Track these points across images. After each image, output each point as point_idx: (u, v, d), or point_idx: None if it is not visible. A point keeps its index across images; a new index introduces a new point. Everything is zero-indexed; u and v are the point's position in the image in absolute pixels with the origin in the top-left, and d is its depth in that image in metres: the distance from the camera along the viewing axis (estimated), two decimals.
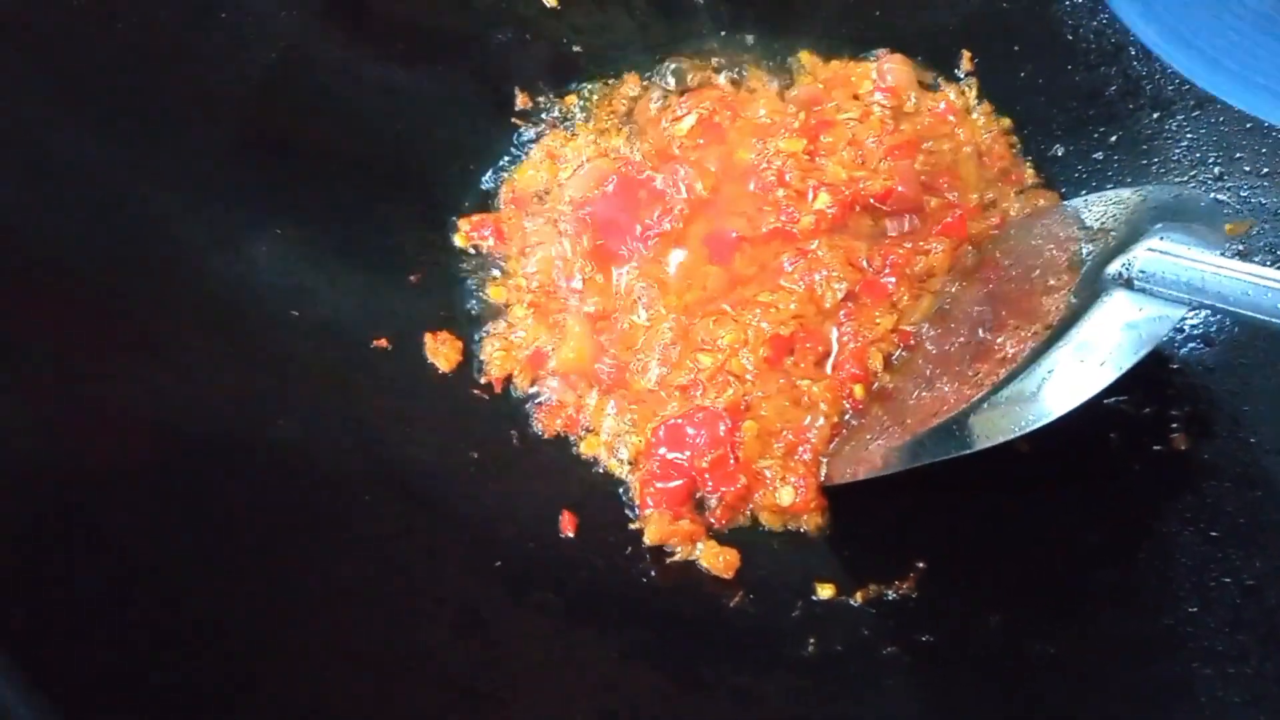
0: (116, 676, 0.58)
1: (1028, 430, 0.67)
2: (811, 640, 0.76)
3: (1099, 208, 0.80)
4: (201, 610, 0.62)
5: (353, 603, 0.68)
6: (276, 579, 0.66)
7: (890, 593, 0.79)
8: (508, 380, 0.92)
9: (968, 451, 0.70)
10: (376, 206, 0.95)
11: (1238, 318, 0.65)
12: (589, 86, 1.08)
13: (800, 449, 0.84)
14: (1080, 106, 0.99)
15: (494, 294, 0.96)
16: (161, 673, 0.59)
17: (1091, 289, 0.70)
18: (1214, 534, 0.77)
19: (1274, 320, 0.62)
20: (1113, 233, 0.74)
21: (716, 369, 0.87)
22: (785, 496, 0.83)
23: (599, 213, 0.95)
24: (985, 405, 0.70)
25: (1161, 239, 0.69)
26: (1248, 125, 0.91)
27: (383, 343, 0.88)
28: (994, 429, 0.69)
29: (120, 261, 0.77)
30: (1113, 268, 0.69)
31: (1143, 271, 0.67)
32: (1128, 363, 0.65)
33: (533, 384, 0.92)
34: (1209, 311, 0.84)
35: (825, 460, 0.84)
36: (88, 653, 0.58)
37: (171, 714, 0.58)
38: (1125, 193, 0.81)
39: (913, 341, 0.88)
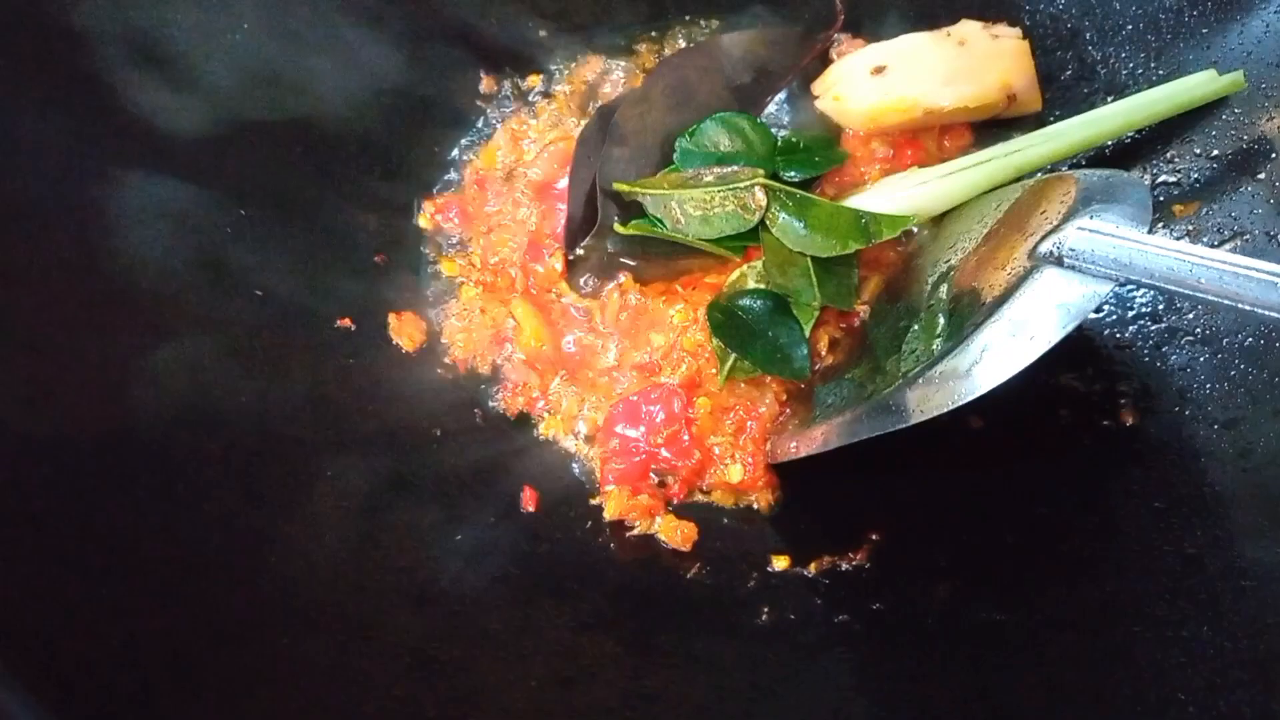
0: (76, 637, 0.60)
1: (961, 404, 0.69)
2: (765, 609, 0.78)
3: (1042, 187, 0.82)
4: (161, 577, 0.63)
5: (312, 571, 0.69)
6: (238, 548, 0.67)
7: (843, 564, 0.81)
8: (472, 360, 0.93)
9: (903, 426, 0.72)
10: (342, 187, 0.96)
11: (1163, 291, 0.68)
12: (552, 68, 1.09)
13: (749, 426, 0.85)
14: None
15: (447, 268, 0.98)
16: (117, 636, 0.61)
17: (1027, 265, 0.72)
18: (1158, 505, 0.79)
19: (1196, 293, 0.65)
20: (1048, 213, 0.76)
21: (669, 347, 0.89)
22: (734, 474, 0.85)
23: (560, 193, 0.96)
24: (920, 381, 0.72)
25: (1091, 218, 0.71)
26: (1198, 111, 0.93)
27: (346, 322, 0.89)
28: (929, 404, 0.71)
29: (84, 238, 0.77)
30: (1044, 246, 0.71)
31: (1073, 249, 0.69)
32: (1056, 336, 0.67)
33: (496, 365, 0.93)
34: (1153, 291, 0.87)
35: (770, 439, 0.85)
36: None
37: (126, 672, 0.59)
38: (1067, 174, 0.83)
39: (856, 323, 0.90)
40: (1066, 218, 0.73)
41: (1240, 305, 0.64)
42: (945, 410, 0.70)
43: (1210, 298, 0.65)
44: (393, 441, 0.83)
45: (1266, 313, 0.63)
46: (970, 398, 0.69)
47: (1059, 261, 0.71)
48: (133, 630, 0.62)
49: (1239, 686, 0.67)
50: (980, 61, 0.96)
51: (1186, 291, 0.66)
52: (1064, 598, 0.77)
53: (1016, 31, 0.99)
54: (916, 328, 0.81)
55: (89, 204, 0.80)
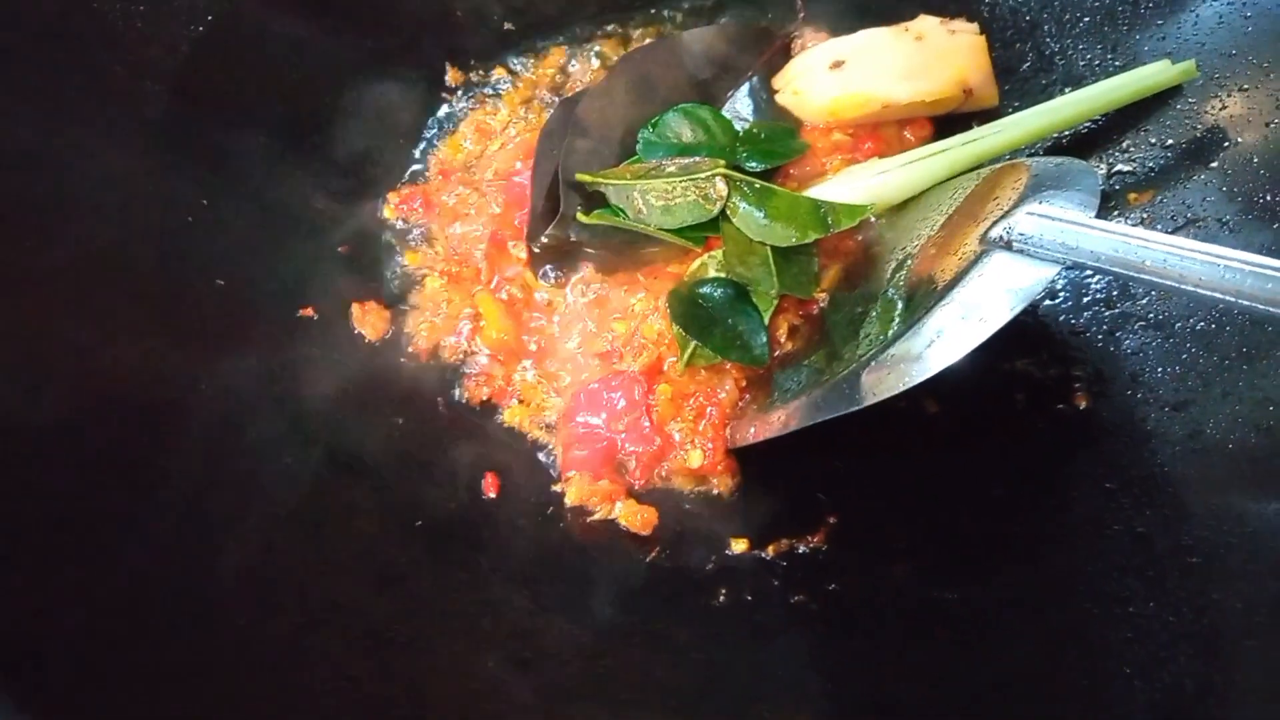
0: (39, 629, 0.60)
1: (913, 384, 0.70)
2: (724, 591, 0.79)
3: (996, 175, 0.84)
4: (120, 563, 0.64)
5: (272, 555, 0.70)
6: (197, 532, 0.68)
7: (801, 546, 0.82)
8: (435, 350, 0.94)
9: (859, 407, 0.73)
10: (307, 178, 0.97)
11: (1109, 273, 0.69)
12: (518, 61, 1.10)
13: (709, 412, 0.86)
14: (996, 81, 1.02)
15: (411, 259, 0.98)
16: (75, 626, 0.61)
17: (978, 250, 0.73)
18: (1109, 486, 0.81)
19: (1142, 274, 0.66)
20: (1000, 199, 0.77)
21: (630, 334, 0.90)
22: (694, 459, 0.85)
23: (524, 184, 0.97)
24: (874, 363, 0.73)
25: (1041, 203, 0.72)
26: (1153, 101, 0.94)
27: (309, 312, 0.90)
28: (882, 385, 0.72)
29: (46, 224, 0.78)
30: (995, 231, 0.72)
31: (1021, 234, 0.71)
32: (1006, 318, 0.68)
33: (459, 354, 0.94)
34: (1105, 277, 0.88)
35: (730, 424, 0.86)
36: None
37: (88, 662, 0.60)
38: (1020, 161, 0.84)
39: (816, 311, 0.91)
40: (1017, 203, 0.75)
41: (1184, 286, 0.65)
42: (899, 391, 0.71)
43: (1156, 279, 0.67)
44: (356, 430, 0.84)
45: (1210, 294, 0.64)
46: (922, 378, 0.70)
47: (1008, 246, 0.72)
48: (94, 618, 0.62)
49: (1182, 659, 0.69)
50: (937, 57, 0.97)
51: (1132, 274, 0.67)
52: (1017, 577, 0.78)
53: (974, 27, 1.00)
54: (873, 314, 0.82)
55: (55, 189, 0.80)
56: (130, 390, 0.75)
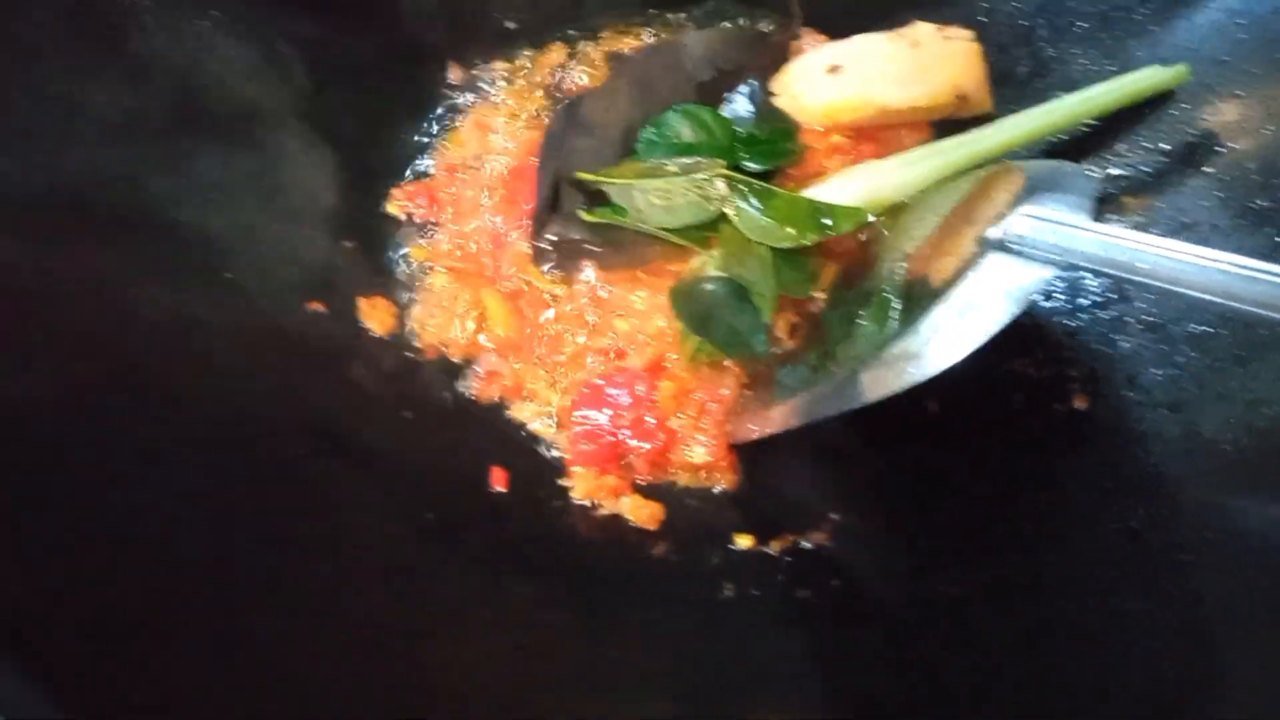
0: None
1: (912, 385, 0.70)
2: (729, 585, 0.80)
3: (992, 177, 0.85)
4: (127, 552, 0.64)
5: (279, 549, 0.70)
6: (203, 522, 0.69)
7: (805, 543, 0.83)
8: (442, 345, 0.95)
9: (857, 406, 0.74)
10: (311, 174, 0.97)
11: (1102, 274, 0.70)
12: (520, 58, 1.11)
13: (710, 408, 0.87)
14: (993, 86, 1.03)
15: (415, 254, 0.99)
16: (84, 614, 0.62)
17: (974, 252, 0.75)
18: (1105, 485, 0.82)
19: (1135, 276, 0.67)
20: (995, 201, 0.79)
21: (633, 331, 0.91)
22: (698, 454, 0.86)
23: (527, 181, 0.98)
24: (873, 363, 0.74)
25: (1036, 205, 0.73)
26: (1147, 107, 0.96)
27: (317, 305, 0.90)
28: (881, 385, 0.72)
29: (56, 220, 0.79)
30: (991, 233, 0.74)
31: (1017, 236, 0.72)
32: (1003, 319, 0.69)
33: (466, 350, 0.95)
34: (1101, 280, 0.90)
35: (731, 420, 0.87)
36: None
37: (88, 654, 0.60)
38: (1015, 164, 0.86)
39: (814, 309, 0.92)
40: (1013, 206, 0.76)
41: (1176, 289, 0.66)
42: (897, 390, 0.72)
43: (1148, 281, 0.67)
44: (361, 424, 0.84)
45: (1201, 295, 0.65)
46: (921, 379, 0.71)
47: (1004, 247, 0.73)
48: (98, 606, 0.63)
49: (1170, 655, 0.70)
50: (932, 62, 0.99)
51: (1125, 275, 0.68)
52: (1013, 575, 0.79)
53: (969, 33, 1.02)
54: (870, 313, 0.83)
55: (63, 186, 0.80)
56: (141, 380, 0.76)
